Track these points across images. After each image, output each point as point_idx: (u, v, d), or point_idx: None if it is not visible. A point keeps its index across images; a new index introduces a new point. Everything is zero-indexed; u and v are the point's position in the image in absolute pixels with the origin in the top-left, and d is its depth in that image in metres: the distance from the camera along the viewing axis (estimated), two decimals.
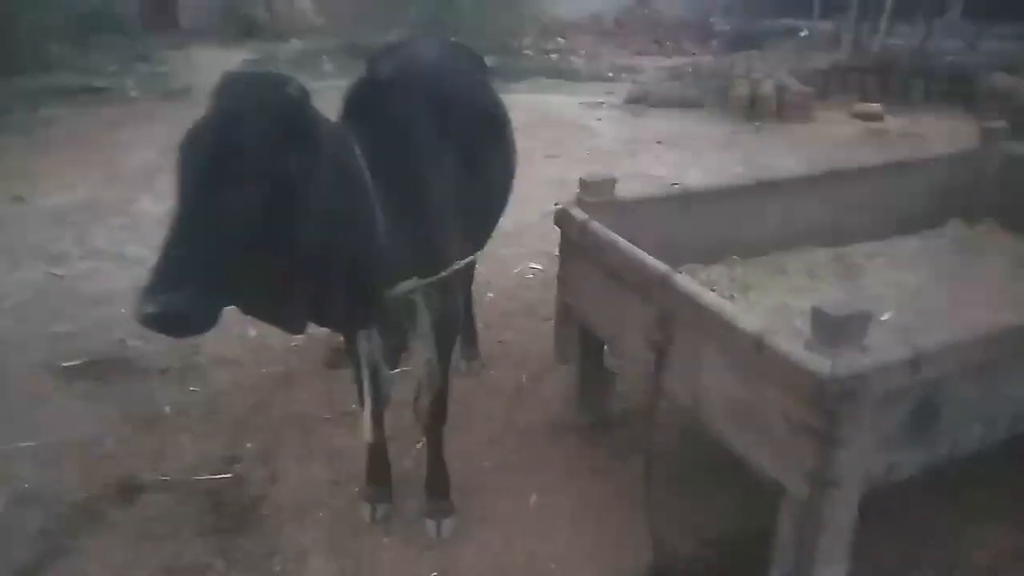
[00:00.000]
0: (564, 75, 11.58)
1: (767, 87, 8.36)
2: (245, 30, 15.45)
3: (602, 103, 9.40)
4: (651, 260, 2.03)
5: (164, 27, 15.50)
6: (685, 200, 2.70)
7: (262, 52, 13.33)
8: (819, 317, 1.53)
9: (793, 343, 1.60)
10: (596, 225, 2.28)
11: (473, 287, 3.34)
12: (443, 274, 1.92)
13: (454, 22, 14.20)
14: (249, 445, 2.66)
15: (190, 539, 2.24)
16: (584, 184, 2.45)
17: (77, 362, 3.17)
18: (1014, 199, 3.06)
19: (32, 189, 5.72)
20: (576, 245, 2.42)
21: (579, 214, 2.37)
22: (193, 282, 1.36)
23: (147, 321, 1.34)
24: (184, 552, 2.20)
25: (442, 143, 2.00)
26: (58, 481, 2.47)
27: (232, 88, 1.51)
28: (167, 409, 2.87)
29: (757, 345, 1.62)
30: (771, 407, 1.63)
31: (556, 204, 2.51)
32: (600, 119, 8.57)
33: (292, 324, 1.74)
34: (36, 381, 3.08)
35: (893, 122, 7.85)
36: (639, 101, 9.29)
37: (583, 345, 2.61)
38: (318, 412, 2.84)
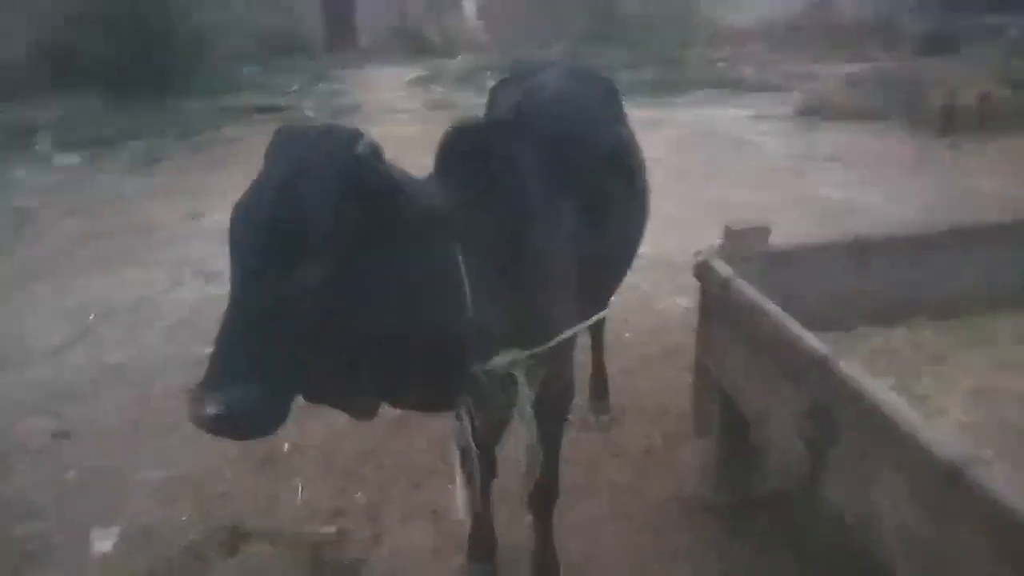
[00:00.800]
0: (731, 85, 10.97)
1: (967, 96, 7.35)
2: (416, 48, 16.10)
3: (770, 116, 8.72)
4: (808, 337, 1.64)
5: (344, 47, 16.54)
6: (858, 249, 2.25)
7: (430, 69, 13.77)
8: None
9: (1006, 474, 1.17)
10: (741, 284, 1.91)
11: (609, 325, 3.05)
12: (550, 344, 1.64)
13: (619, 35, 13.91)
14: (358, 495, 2.54)
15: None
16: (729, 233, 2.09)
17: None
18: None
19: (208, 206, 6.10)
20: (718, 303, 2.06)
21: (722, 268, 2.00)
22: (260, 374, 1.15)
23: (208, 424, 1.12)
24: None
25: (556, 196, 1.69)
26: (171, 518, 2.46)
27: (287, 150, 1.27)
28: (285, 447, 2.81)
29: (952, 478, 1.21)
30: (974, 562, 1.21)
31: (696, 254, 2.16)
32: (767, 133, 7.94)
33: (362, 410, 1.50)
34: (171, 406, 3.13)
35: None
36: (813, 113, 8.55)
37: (724, 415, 2.23)
38: (430, 462, 2.66)
